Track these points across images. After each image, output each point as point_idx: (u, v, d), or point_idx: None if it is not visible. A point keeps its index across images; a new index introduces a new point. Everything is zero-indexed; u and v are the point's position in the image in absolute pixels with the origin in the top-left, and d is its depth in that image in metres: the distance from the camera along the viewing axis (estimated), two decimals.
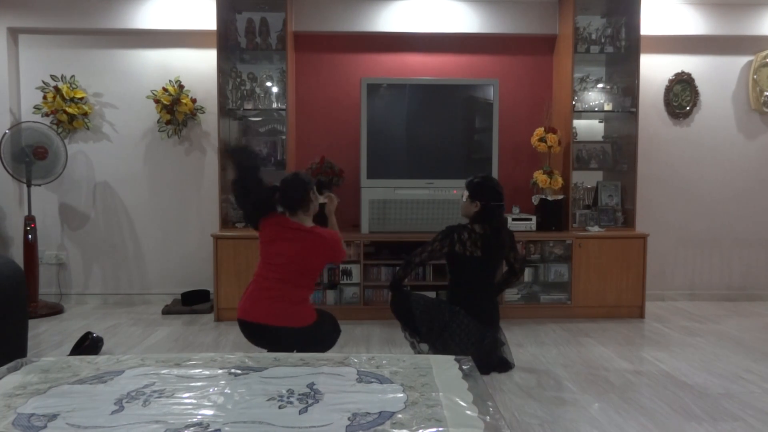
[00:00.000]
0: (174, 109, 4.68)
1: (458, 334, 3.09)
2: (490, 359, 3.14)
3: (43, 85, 4.70)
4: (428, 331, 3.13)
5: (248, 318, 2.83)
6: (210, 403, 1.72)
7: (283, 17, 4.53)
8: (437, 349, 3.10)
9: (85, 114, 4.76)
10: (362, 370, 2.01)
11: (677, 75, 4.98)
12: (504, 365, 3.23)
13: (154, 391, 1.81)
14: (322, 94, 4.87)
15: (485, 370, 3.03)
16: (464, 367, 2.03)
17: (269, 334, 2.80)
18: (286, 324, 2.78)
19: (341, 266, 4.34)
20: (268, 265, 2.87)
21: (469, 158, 4.50)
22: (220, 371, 2.00)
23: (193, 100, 4.76)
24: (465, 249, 3.13)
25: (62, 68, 4.75)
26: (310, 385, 1.85)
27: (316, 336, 2.89)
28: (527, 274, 4.44)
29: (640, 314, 4.46)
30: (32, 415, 1.64)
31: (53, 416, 1.63)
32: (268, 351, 2.80)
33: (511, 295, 4.43)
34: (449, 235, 3.16)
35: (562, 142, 4.60)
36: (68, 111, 4.67)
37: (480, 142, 4.49)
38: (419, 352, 3.17)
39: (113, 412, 1.66)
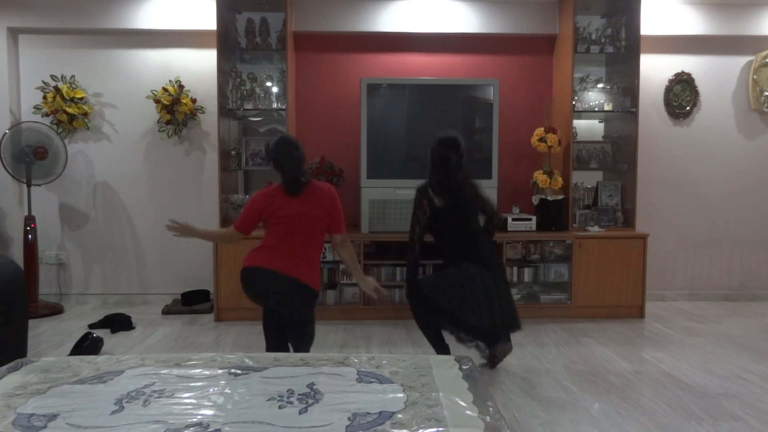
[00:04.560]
0: (174, 109, 4.68)
1: (473, 288, 3.10)
2: (502, 316, 3.15)
3: (43, 85, 4.70)
4: (459, 304, 3.10)
5: (263, 265, 2.83)
6: (210, 403, 1.72)
7: (283, 17, 4.53)
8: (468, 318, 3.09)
9: (85, 114, 4.76)
10: (362, 370, 2.01)
11: (677, 75, 4.98)
12: (511, 324, 3.26)
13: (154, 391, 1.81)
14: (322, 94, 4.87)
15: (494, 336, 3.14)
16: (464, 367, 2.03)
17: (279, 282, 2.80)
18: (300, 278, 2.82)
19: (341, 266, 4.34)
20: (285, 228, 2.87)
21: (469, 158, 4.48)
22: (220, 371, 2.00)
23: (193, 100, 4.76)
24: (437, 202, 3.17)
25: (62, 68, 4.75)
26: (310, 385, 1.85)
27: (310, 305, 2.96)
28: (527, 273, 4.45)
29: (640, 314, 4.46)
30: (32, 415, 1.64)
31: (53, 416, 1.63)
32: (266, 302, 2.91)
33: None
34: (423, 195, 3.20)
35: (562, 142, 4.60)
36: (68, 111, 4.67)
37: (480, 142, 4.49)
38: (474, 347, 3.26)
39: (113, 412, 1.66)
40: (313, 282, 2.89)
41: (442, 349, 3.23)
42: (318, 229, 2.95)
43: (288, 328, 3.01)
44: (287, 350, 3.06)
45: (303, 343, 2.98)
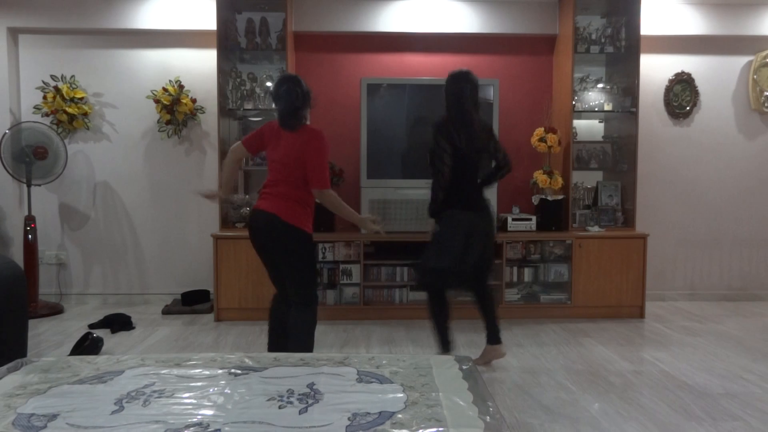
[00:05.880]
0: (174, 109, 4.68)
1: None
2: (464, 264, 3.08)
3: (43, 85, 4.70)
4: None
5: (256, 207, 2.96)
6: (210, 403, 1.72)
7: (283, 17, 4.53)
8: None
9: (85, 114, 4.76)
10: (362, 370, 2.01)
11: (677, 75, 4.98)
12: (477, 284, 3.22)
13: (154, 391, 1.81)
14: (322, 94, 4.85)
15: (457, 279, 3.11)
16: (464, 367, 2.03)
17: (265, 219, 2.89)
18: (288, 219, 2.86)
19: (341, 266, 4.34)
20: (274, 169, 2.98)
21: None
22: (220, 371, 2.00)
23: (193, 100, 4.76)
24: (456, 140, 3.07)
25: (62, 68, 4.75)
26: (310, 385, 1.85)
27: (307, 248, 2.96)
28: (527, 273, 4.45)
29: (640, 314, 4.46)
30: (32, 415, 1.64)
31: (53, 416, 1.63)
32: (264, 248, 2.94)
33: (511, 295, 4.43)
34: (441, 130, 3.08)
35: (562, 142, 4.60)
36: (68, 111, 4.67)
37: None
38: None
39: (113, 412, 1.66)
40: (295, 220, 2.86)
41: (444, 345, 3.21)
42: (294, 172, 2.94)
43: (291, 309, 2.99)
44: (285, 345, 3.04)
45: (298, 335, 2.93)
